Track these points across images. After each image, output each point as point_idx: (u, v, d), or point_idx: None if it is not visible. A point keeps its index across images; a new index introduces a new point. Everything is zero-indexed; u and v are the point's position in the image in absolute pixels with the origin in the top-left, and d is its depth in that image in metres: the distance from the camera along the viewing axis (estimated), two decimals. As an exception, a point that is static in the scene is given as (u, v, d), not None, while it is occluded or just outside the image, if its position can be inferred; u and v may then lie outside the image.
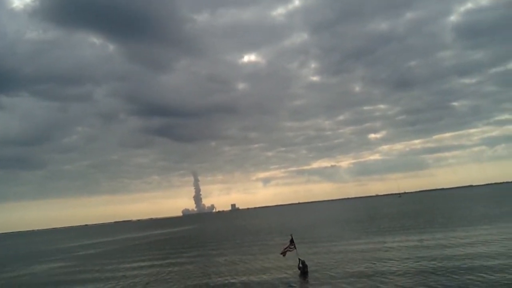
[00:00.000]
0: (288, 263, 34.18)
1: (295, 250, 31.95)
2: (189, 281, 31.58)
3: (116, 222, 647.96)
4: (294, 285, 26.58)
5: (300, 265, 30.32)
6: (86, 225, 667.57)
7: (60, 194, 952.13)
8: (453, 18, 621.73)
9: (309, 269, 30.20)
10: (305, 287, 25.94)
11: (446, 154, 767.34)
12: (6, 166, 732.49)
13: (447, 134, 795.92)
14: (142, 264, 45.66)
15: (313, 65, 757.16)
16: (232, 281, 29.45)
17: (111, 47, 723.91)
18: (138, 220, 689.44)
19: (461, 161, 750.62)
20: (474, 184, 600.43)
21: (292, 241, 32.16)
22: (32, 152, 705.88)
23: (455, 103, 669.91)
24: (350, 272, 28.57)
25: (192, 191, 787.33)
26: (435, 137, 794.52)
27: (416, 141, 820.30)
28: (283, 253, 32.09)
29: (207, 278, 31.43)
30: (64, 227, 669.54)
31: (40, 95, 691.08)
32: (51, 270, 49.15)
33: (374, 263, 30.97)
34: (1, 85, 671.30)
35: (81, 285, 35.13)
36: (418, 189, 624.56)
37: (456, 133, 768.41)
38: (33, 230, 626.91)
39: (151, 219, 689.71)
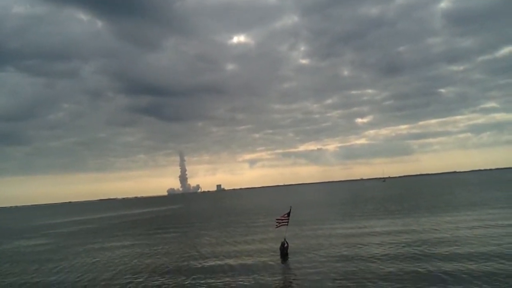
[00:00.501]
0: (270, 244, 34.07)
1: (286, 225, 31.63)
2: (171, 261, 31.32)
3: (101, 200, 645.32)
4: (274, 267, 26.31)
5: (283, 245, 30.03)
6: (70, 202, 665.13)
7: (45, 171, 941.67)
8: (443, 4, 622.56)
9: (290, 251, 30.00)
10: (285, 269, 25.71)
11: (432, 140, 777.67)
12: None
13: (433, 121, 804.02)
14: (126, 243, 45.30)
15: (302, 48, 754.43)
16: (212, 263, 29.16)
17: (100, 23, 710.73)
18: (123, 198, 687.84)
19: (446, 147, 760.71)
20: (458, 170, 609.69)
21: (288, 215, 31.78)
22: (18, 128, 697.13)
23: (442, 90, 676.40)
24: (331, 255, 28.42)
25: (178, 170, 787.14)
26: (421, 123, 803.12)
27: (403, 127, 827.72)
28: (278, 225, 31.60)
29: (188, 259, 31.15)
30: (48, 204, 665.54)
31: (26, 71, 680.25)
32: (35, 247, 48.59)
33: (356, 247, 30.92)
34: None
35: (63, 262, 34.61)
36: (402, 174, 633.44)
37: (442, 119, 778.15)
38: (16, 206, 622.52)
39: (136, 197, 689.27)
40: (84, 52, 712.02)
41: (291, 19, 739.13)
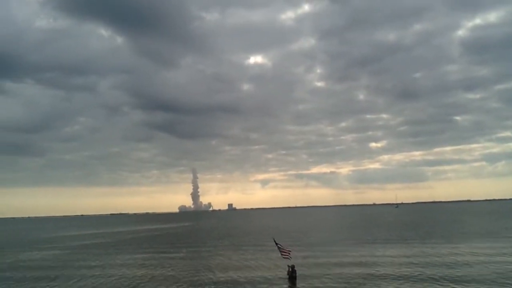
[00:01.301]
0: (278, 267, 33.79)
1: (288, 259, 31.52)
2: (179, 280, 31.20)
3: (112, 215, 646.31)
4: None
5: (289, 269, 29.64)
6: (82, 215, 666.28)
7: (58, 183, 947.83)
8: (461, 32, 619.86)
9: (298, 275, 29.54)
10: None
11: (446, 167, 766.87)
12: (6, 152, 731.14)
13: (448, 148, 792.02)
14: (136, 259, 45.18)
15: (318, 70, 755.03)
16: (221, 286, 28.83)
17: (119, 39, 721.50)
18: (135, 213, 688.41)
19: (461, 175, 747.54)
20: (472, 199, 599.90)
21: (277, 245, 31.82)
22: (33, 139, 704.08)
23: (457, 117, 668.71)
24: (340, 282, 27.90)
25: (190, 188, 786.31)
26: (436, 150, 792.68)
27: (417, 153, 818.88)
28: (284, 256, 31.61)
29: (195, 282, 30.58)
30: (60, 216, 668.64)
31: (45, 83, 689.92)
32: (45, 258, 48.81)
33: (367, 275, 30.29)
34: (7, 71, 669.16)
35: (73, 276, 34.56)
36: (415, 201, 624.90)
37: (457, 147, 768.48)
38: (29, 217, 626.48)
39: (148, 213, 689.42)
40: (102, 67, 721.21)
41: (308, 42, 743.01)
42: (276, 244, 32.32)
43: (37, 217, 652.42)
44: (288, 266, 30.16)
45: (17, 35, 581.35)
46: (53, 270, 38.46)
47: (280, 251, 31.90)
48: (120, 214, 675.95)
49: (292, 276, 29.09)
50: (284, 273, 30.50)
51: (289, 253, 31.57)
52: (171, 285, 29.69)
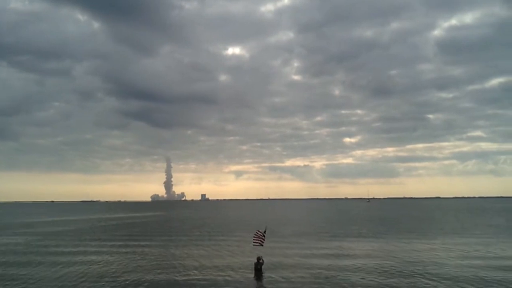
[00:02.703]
0: (246, 259, 33.79)
1: (261, 245, 31.70)
2: (145, 271, 30.97)
3: (83, 202, 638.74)
4: (245, 283, 25.94)
5: (258, 261, 29.33)
6: (53, 202, 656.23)
7: (29, 168, 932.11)
8: (436, 32, 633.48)
9: (265, 267, 29.49)
10: (257, 286, 25.39)
11: (417, 164, 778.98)
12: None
13: (420, 145, 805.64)
14: (107, 246, 44.78)
15: (296, 64, 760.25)
16: (186, 277, 28.42)
17: (96, 25, 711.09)
18: (106, 201, 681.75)
19: (431, 172, 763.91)
20: (441, 196, 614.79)
21: (264, 234, 31.98)
22: (6, 122, 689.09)
23: (430, 116, 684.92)
24: (307, 274, 28.04)
25: (163, 177, 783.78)
26: (408, 146, 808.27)
27: (389, 149, 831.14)
28: (254, 244, 31.60)
29: (163, 271, 30.17)
30: (31, 202, 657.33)
31: (18, 66, 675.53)
32: (18, 243, 47.95)
33: (334, 267, 30.55)
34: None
35: (44, 262, 34.06)
36: (387, 196, 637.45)
37: (429, 144, 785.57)
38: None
39: (120, 201, 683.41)
40: (78, 52, 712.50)
41: (286, 35, 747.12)
42: (262, 232, 32.19)
43: (6, 202, 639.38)
44: (258, 257, 29.88)
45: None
46: (24, 256, 38.04)
47: (257, 238, 31.64)
48: (92, 201, 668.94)
49: (257, 268, 28.80)
50: (251, 265, 30.14)
51: (262, 241, 31.46)
52: (142, 272, 29.52)
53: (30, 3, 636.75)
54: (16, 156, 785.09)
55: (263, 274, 28.11)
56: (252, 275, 28.01)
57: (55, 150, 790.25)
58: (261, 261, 29.40)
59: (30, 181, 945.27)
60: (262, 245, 31.69)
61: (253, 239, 31.76)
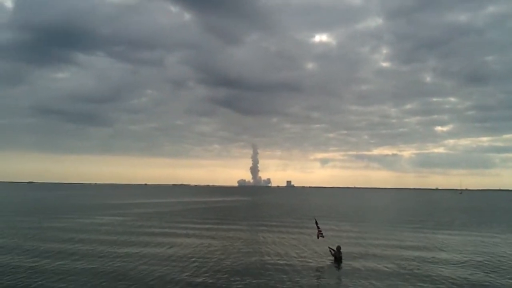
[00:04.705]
0: (325, 247, 33.89)
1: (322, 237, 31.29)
2: (233, 251, 32.15)
3: (174, 185, 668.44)
4: (324, 271, 25.97)
5: (334, 251, 29.01)
6: (146, 184, 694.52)
7: (123, 152, 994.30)
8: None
9: (348, 256, 29.23)
10: (335, 274, 25.15)
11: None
12: (76, 121, 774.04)
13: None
14: (196, 229, 46.56)
15: (384, 51, 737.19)
16: (272, 261, 29.27)
17: (187, 16, 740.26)
18: (196, 185, 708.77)
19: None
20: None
21: (316, 224, 31.94)
22: (102, 110, 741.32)
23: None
24: (391, 265, 27.27)
25: (249, 163, 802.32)
26: (505, 136, 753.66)
27: (484, 139, 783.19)
28: (322, 235, 31.81)
29: (249, 256, 31.02)
30: (124, 184, 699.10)
31: (115, 56, 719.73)
32: (113, 223, 51.59)
33: (420, 260, 29.45)
34: (80, 43, 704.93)
35: (137, 242, 36.33)
36: (481, 188, 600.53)
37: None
38: (96, 184, 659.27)
39: (208, 186, 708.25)
40: (169, 42, 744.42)
41: (375, 21, 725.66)
42: (317, 223, 32.40)
43: (102, 183, 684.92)
44: (330, 248, 29.77)
45: (90, 9, 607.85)
46: (120, 235, 40.35)
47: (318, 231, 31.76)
48: (182, 185, 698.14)
49: (337, 256, 28.56)
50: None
51: (321, 233, 31.52)
52: (235, 254, 30.67)
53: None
54: (111, 142, 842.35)
55: (343, 263, 27.78)
56: (332, 264, 27.81)
57: (147, 136, 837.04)
58: (339, 250, 29.07)
59: (124, 165, 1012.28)
60: (323, 237, 31.58)
61: (318, 232, 31.70)
